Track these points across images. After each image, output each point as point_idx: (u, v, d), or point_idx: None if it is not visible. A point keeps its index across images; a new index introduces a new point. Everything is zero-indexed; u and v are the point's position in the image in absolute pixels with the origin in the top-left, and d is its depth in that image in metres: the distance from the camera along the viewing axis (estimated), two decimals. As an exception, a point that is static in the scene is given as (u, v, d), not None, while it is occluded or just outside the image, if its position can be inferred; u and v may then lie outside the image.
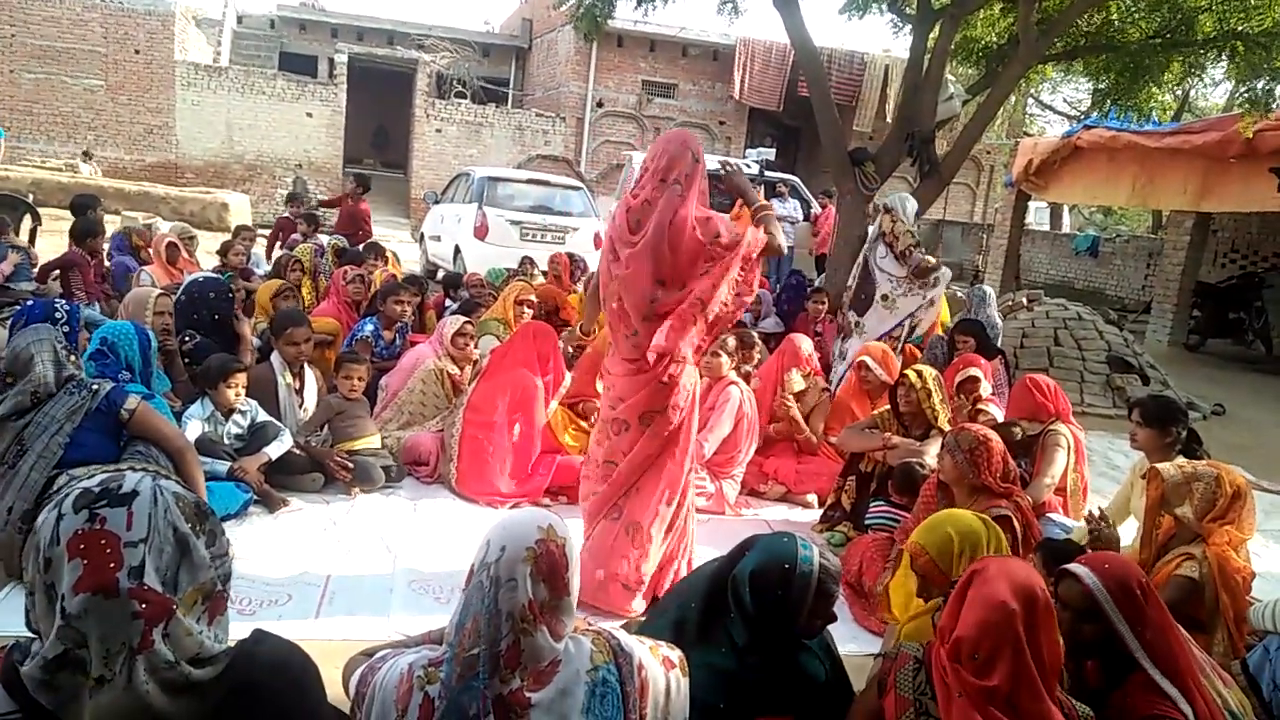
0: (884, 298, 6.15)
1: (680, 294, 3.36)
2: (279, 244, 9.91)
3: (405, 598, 3.53)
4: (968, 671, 2.01)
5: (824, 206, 13.13)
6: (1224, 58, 8.95)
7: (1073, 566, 2.38)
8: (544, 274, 8.49)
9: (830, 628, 2.47)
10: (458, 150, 21.75)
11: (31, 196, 11.91)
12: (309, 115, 20.95)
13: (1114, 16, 9.09)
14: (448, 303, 7.51)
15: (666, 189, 3.34)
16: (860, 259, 6.47)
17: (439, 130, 21.87)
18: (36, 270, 6.84)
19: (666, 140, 3.48)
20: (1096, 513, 3.47)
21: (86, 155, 17.88)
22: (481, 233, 11.20)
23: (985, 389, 4.99)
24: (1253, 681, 2.70)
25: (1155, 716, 2.16)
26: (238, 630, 1.51)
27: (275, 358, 4.88)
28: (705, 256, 3.34)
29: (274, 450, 4.29)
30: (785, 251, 3.61)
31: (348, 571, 3.70)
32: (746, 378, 5.37)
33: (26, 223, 9.54)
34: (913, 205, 6.45)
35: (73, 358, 3.48)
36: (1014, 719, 1.97)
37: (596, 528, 3.60)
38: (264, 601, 3.34)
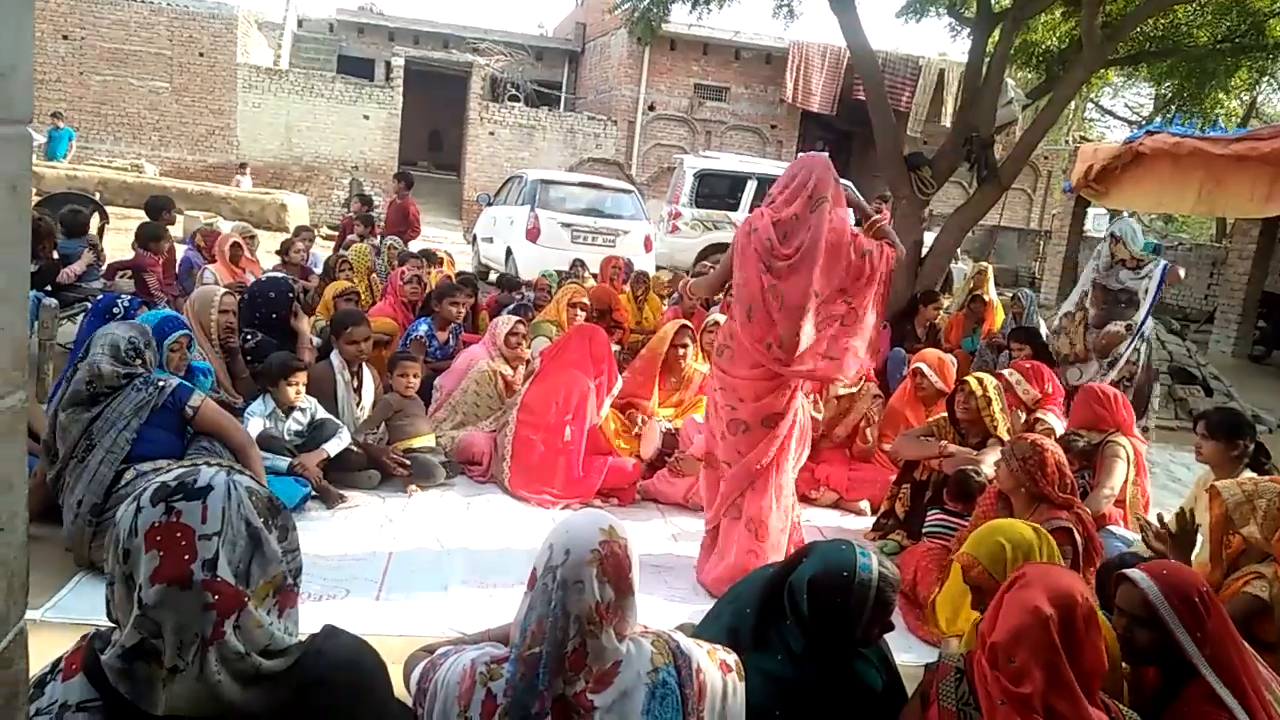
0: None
1: (833, 307, 3.64)
2: (339, 245, 10.12)
3: (459, 594, 3.56)
4: (1004, 678, 1.99)
5: (879, 211, 13.00)
6: (1295, 63, 8.72)
7: (1130, 572, 2.35)
8: (594, 276, 8.52)
9: (886, 637, 2.46)
10: (510, 153, 21.94)
11: (99, 195, 12.24)
12: (365, 118, 21.29)
13: (1180, 20, 8.90)
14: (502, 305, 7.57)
15: (817, 206, 3.58)
16: (1089, 284, 6.67)
17: (492, 133, 22.08)
18: (104, 268, 7.03)
19: (810, 162, 3.71)
20: (1156, 522, 3.37)
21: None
22: (533, 235, 11.28)
23: (1030, 393, 4.90)
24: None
25: None
26: (301, 624, 1.54)
27: (335, 356, 4.96)
28: (857, 272, 3.63)
29: (333, 447, 4.37)
30: (903, 252, 3.95)
31: (403, 567, 3.75)
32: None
33: (95, 221, 9.81)
34: (1139, 228, 6.83)
35: (141, 357, 3.54)
36: None
37: (721, 528, 3.82)
38: (322, 595, 3.40)
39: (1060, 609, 2.00)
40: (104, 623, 1.42)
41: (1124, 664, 2.53)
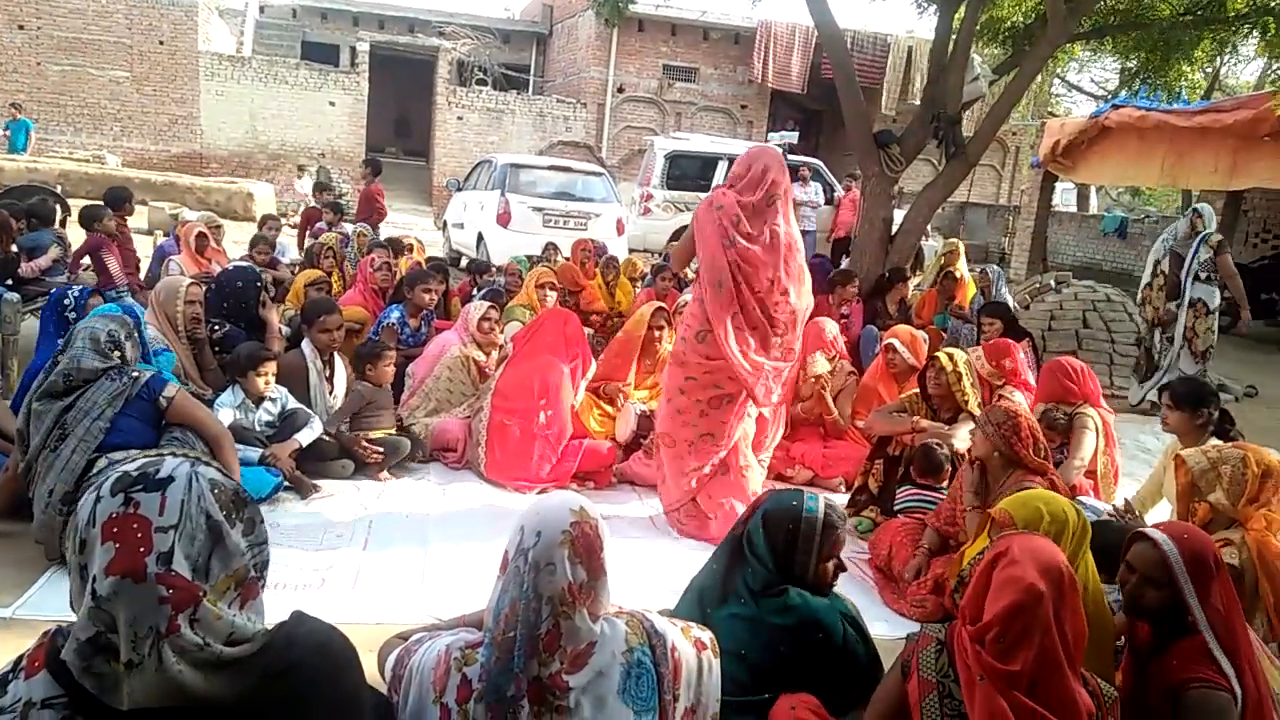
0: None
1: (793, 305, 4.02)
2: (307, 234, 10.02)
3: (436, 581, 3.55)
4: (990, 654, 1.99)
5: (848, 190, 13.05)
6: (1255, 34, 8.78)
7: (1150, 531, 2.39)
8: (567, 260, 8.50)
9: (861, 610, 2.50)
10: (479, 137, 21.79)
11: (60, 188, 12.04)
12: (331, 104, 21.06)
13: (1144, -7, 8.96)
14: (475, 291, 7.54)
15: (771, 202, 3.89)
16: (1162, 254, 7.81)
17: (460, 118, 21.91)
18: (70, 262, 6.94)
19: (766, 155, 3.96)
20: (1122, 505, 3.45)
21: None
22: (504, 220, 11.22)
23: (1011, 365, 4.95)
24: (1291, 665, 2.67)
25: (1199, 679, 2.14)
26: (274, 613, 1.53)
27: (306, 345, 4.92)
28: (800, 274, 4.02)
29: (305, 437, 4.34)
30: None
31: (379, 555, 3.73)
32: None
33: (56, 214, 9.65)
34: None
35: (120, 349, 3.50)
36: (1036, 703, 1.95)
37: (711, 483, 4.21)
38: (297, 585, 3.38)
39: (1051, 582, 2.01)
40: (73, 619, 1.40)
41: (1122, 616, 2.58)
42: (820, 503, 2.41)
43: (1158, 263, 7.74)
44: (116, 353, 3.47)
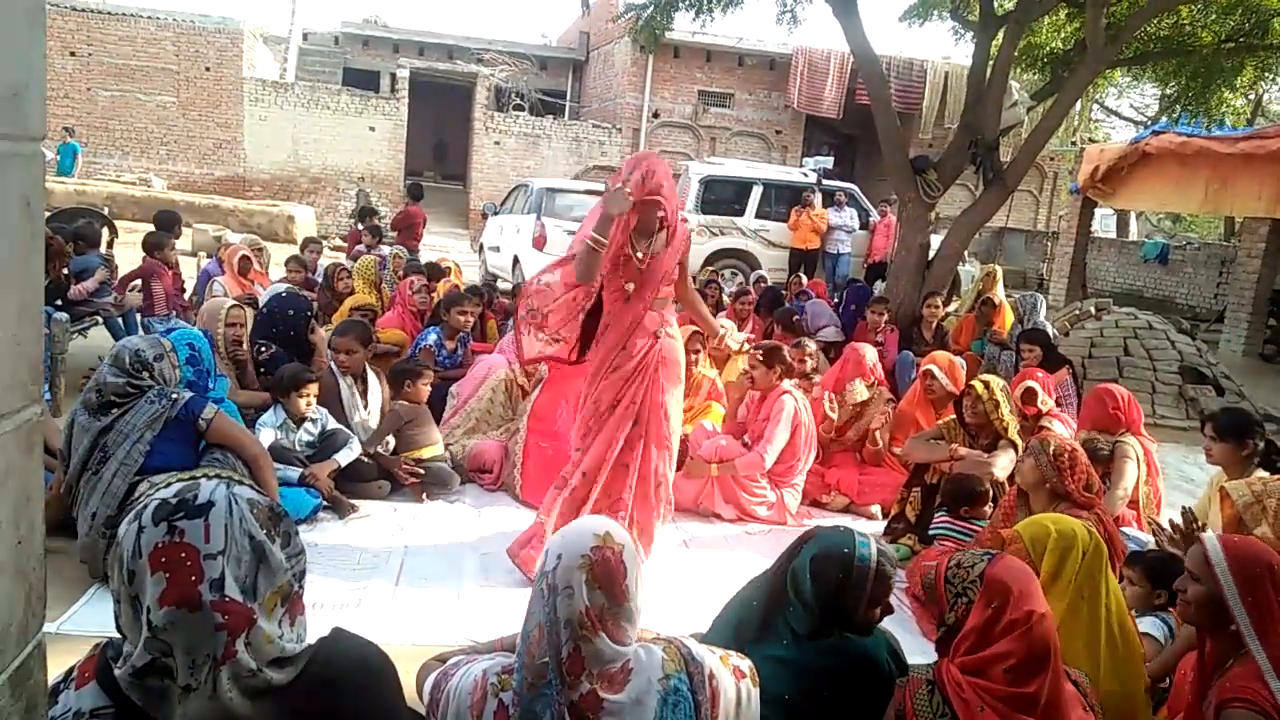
0: None
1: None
2: (347, 256, 10.21)
3: (472, 602, 3.57)
4: (1000, 681, 2.01)
5: (883, 215, 13.01)
6: (1301, 60, 8.69)
7: (1204, 535, 2.38)
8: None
9: (899, 641, 2.46)
10: (516, 162, 22.00)
11: (107, 210, 12.30)
12: (371, 129, 21.37)
13: (1184, 20, 8.88)
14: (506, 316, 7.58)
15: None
16: None
17: (497, 142, 22.14)
18: (116, 282, 7.08)
19: (651, 160, 3.72)
20: (1168, 525, 3.36)
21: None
22: (540, 243, 11.29)
23: (1046, 403, 4.87)
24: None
25: (1243, 699, 2.08)
26: (312, 634, 1.54)
27: (332, 363, 4.98)
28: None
29: (344, 457, 4.39)
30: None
31: (415, 577, 3.75)
32: (809, 387, 5.34)
33: (104, 236, 9.87)
34: None
35: (149, 369, 3.54)
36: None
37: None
38: (335, 605, 3.41)
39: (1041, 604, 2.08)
40: (115, 635, 1.42)
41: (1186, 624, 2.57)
42: (873, 548, 2.27)
43: None
44: (145, 373, 3.50)
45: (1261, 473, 3.71)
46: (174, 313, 6.72)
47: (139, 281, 6.79)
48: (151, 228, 7.91)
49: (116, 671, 1.33)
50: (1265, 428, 4.10)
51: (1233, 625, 2.18)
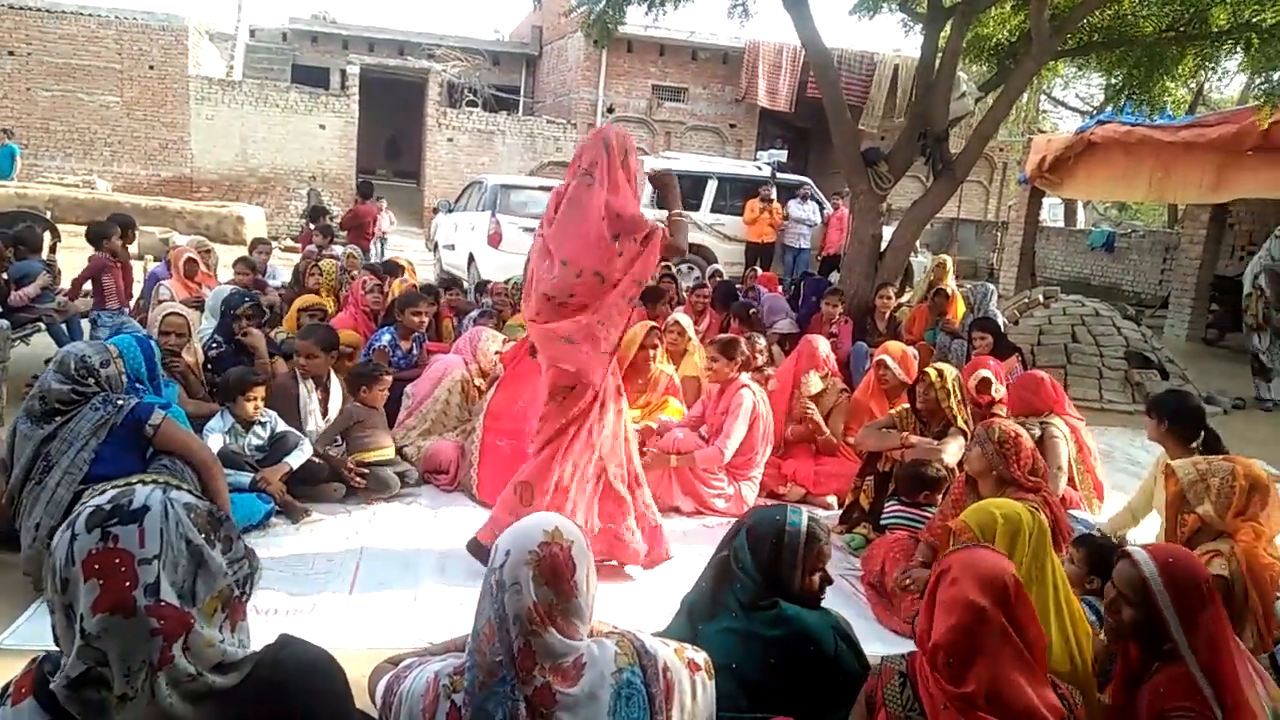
0: None
1: (580, 281, 3.45)
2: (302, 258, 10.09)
3: (428, 604, 3.54)
4: (945, 679, 1.98)
5: (836, 207, 13.10)
6: (1238, 50, 8.87)
7: (1133, 550, 2.37)
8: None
9: (855, 627, 2.49)
10: (470, 159, 21.86)
11: (50, 213, 12.02)
12: (322, 127, 21.09)
13: (1126, 11, 9.03)
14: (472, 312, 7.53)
15: (579, 179, 3.54)
16: (1258, 269, 8.47)
17: (451, 139, 21.98)
18: (68, 286, 6.94)
19: (589, 134, 3.68)
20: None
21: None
22: (495, 240, 11.23)
23: (999, 390, 4.95)
24: (1281, 675, 2.68)
25: (1183, 708, 2.10)
26: (266, 639, 1.52)
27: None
28: (609, 247, 3.44)
29: (295, 460, 4.33)
30: (685, 251, 3.67)
31: (370, 580, 3.71)
32: (764, 380, 5.37)
33: (46, 239, 9.64)
34: None
35: (95, 375, 3.47)
36: (999, 717, 1.93)
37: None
38: (289, 610, 3.36)
39: (993, 595, 1.99)
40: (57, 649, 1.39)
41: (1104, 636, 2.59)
42: (803, 516, 2.43)
43: (1256, 276, 8.53)
44: (92, 380, 3.42)
45: (1199, 457, 3.80)
46: (125, 307, 6.61)
47: (90, 280, 6.68)
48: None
49: (53, 685, 1.30)
50: (1205, 412, 4.21)
51: (1168, 644, 2.20)
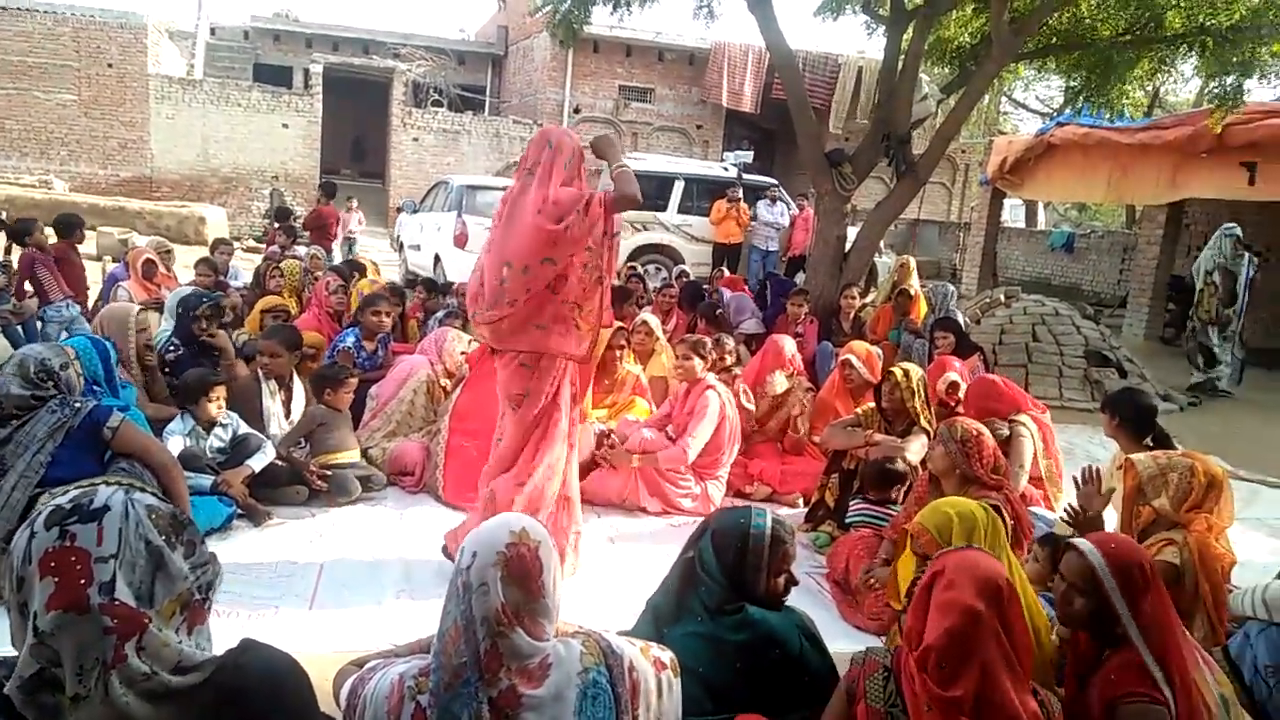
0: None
1: (526, 278, 3.38)
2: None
3: (394, 606, 3.52)
4: (933, 681, 1.98)
5: (801, 209, 13.17)
6: (1193, 53, 9.04)
7: (1078, 541, 2.41)
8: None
9: (819, 625, 2.52)
10: (435, 159, 21.75)
11: (4, 214, 11.79)
12: (285, 126, 20.88)
13: (1084, 14, 9.17)
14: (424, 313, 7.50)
15: (522, 179, 3.53)
16: (1211, 266, 9.17)
17: (416, 139, 21.85)
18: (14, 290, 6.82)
19: (536, 134, 3.66)
20: (1065, 510, 3.49)
21: None
22: (461, 241, 11.19)
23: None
24: (1234, 667, 2.74)
25: (1135, 694, 2.15)
26: (229, 642, 1.51)
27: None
28: (550, 239, 3.36)
29: (257, 463, 4.28)
30: (639, 200, 3.50)
31: (335, 581, 3.69)
32: (731, 380, 5.39)
33: (1, 241, 9.47)
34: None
35: (54, 378, 3.42)
36: None
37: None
38: (251, 614, 3.33)
39: (989, 600, 2.01)
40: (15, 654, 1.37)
41: (1060, 627, 2.62)
42: (768, 518, 2.43)
43: (1210, 274, 9.13)
44: (50, 382, 3.37)
45: (1158, 451, 3.86)
46: (73, 300, 6.52)
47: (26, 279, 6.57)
48: (53, 234, 7.61)
49: (7, 689, 1.29)
50: (1157, 409, 4.28)
51: (1119, 629, 2.25)
